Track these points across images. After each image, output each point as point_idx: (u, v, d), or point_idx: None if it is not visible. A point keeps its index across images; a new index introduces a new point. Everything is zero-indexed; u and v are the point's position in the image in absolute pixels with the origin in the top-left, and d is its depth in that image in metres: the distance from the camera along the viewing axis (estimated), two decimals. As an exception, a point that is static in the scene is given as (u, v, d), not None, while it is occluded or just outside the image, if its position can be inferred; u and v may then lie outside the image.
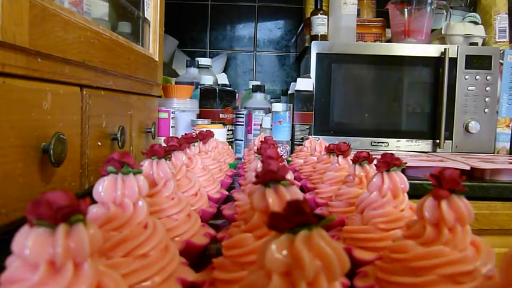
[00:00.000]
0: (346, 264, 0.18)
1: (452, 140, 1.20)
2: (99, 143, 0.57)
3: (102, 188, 0.30)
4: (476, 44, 1.25)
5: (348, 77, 1.22)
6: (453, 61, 1.18)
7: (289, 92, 1.35)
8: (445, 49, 1.17)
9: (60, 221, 0.20)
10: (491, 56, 1.18)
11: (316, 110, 1.18)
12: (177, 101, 1.09)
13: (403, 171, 0.41)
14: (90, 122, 0.53)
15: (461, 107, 1.19)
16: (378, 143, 1.21)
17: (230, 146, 1.03)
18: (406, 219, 0.36)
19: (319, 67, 1.19)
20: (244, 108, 1.31)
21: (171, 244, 0.32)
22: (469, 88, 1.19)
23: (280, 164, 0.32)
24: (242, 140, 1.25)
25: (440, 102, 1.17)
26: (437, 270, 0.28)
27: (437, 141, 1.19)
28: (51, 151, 0.41)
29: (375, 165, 0.41)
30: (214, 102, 1.15)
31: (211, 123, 1.10)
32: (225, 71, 1.65)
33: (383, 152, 0.43)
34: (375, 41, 1.35)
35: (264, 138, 0.79)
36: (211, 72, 1.39)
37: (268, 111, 1.25)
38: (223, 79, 1.53)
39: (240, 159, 1.08)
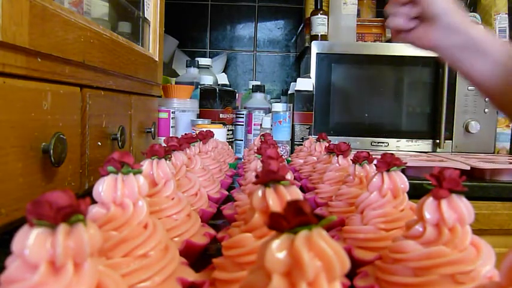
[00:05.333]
0: (346, 264, 0.18)
1: (452, 140, 1.20)
2: (99, 143, 0.57)
3: (102, 188, 0.30)
4: (476, 44, 1.25)
5: (348, 77, 1.22)
6: (453, 61, 1.18)
7: (289, 92, 1.35)
8: (445, 49, 1.17)
9: (60, 221, 0.20)
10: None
11: (316, 110, 1.18)
12: (177, 101, 1.09)
13: (403, 171, 0.41)
14: (90, 122, 0.53)
15: (461, 107, 1.19)
16: (378, 143, 1.21)
17: (230, 146, 1.03)
18: (406, 219, 0.36)
19: (319, 67, 1.19)
20: (244, 108, 1.31)
21: (171, 244, 0.32)
22: (469, 88, 1.19)
23: (280, 164, 0.32)
24: (242, 140, 1.25)
25: (440, 102, 1.17)
26: (437, 270, 0.28)
27: (437, 141, 1.19)
28: (51, 151, 0.41)
29: (375, 165, 0.41)
30: (214, 102, 1.15)
31: (211, 123, 1.10)
32: (225, 71, 1.65)
33: (383, 152, 0.43)
34: (374, 41, 1.35)
35: (264, 137, 0.79)
36: (211, 72, 1.39)
37: (268, 111, 1.25)
38: (223, 79, 1.53)
39: (240, 159, 1.08)
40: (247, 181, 0.50)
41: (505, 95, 0.57)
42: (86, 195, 0.24)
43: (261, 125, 1.18)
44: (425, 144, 1.21)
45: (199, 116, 1.15)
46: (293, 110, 1.15)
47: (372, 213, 0.39)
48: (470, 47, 0.58)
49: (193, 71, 1.30)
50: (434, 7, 0.60)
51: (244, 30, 1.68)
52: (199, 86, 1.21)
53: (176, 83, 1.27)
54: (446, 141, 1.19)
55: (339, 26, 1.27)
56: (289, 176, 0.32)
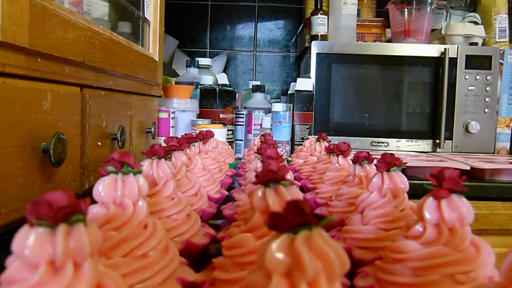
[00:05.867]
0: (346, 264, 0.18)
1: (452, 140, 1.20)
2: (99, 143, 0.57)
3: (102, 188, 0.30)
4: (476, 44, 1.25)
5: (348, 77, 1.22)
6: (453, 61, 1.18)
7: (289, 92, 1.35)
8: (445, 49, 1.17)
9: (60, 221, 0.20)
10: (491, 56, 1.18)
11: (316, 110, 1.18)
12: (177, 101, 1.09)
13: (403, 171, 0.41)
14: (90, 122, 0.53)
15: (461, 107, 1.19)
16: (378, 143, 1.21)
17: (230, 146, 1.03)
18: (406, 219, 0.36)
19: (319, 67, 1.19)
20: (244, 108, 1.31)
21: (171, 244, 0.32)
22: (469, 88, 1.19)
23: (280, 164, 0.32)
24: (242, 140, 1.25)
25: (440, 102, 1.17)
26: (437, 270, 0.28)
27: (437, 141, 1.19)
28: (51, 151, 0.41)
29: (375, 165, 0.41)
30: (214, 102, 1.15)
31: (211, 123, 1.10)
32: (225, 71, 1.65)
33: (383, 152, 0.43)
34: (374, 41, 1.35)
35: (264, 137, 0.79)
36: (211, 72, 1.39)
37: (268, 111, 1.25)
38: (223, 79, 1.53)
39: (240, 159, 1.08)
40: (247, 181, 0.50)
41: None
42: (86, 195, 0.24)
43: (261, 125, 1.18)
44: (425, 144, 1.21)
45: (199, 116, 1.15)
46: (293, 110, 1.15)
47: (372, 213, 0.39)
48: None
49: (193, 71, 1.30)
50: None
51: (244, 30, 1.68)
52: (199, 86, 1.21)
53: (176, 83, 1.27)
54: (446, 141, 1.19)
55: (339, 26, 1.27)
56: (289, 176, 0.32)
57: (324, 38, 1.27)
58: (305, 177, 0.71)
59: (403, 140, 1.21)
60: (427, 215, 0.30)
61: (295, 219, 0.19)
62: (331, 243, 0.18)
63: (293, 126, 1.14)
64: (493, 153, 1.20)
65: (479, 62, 1.18)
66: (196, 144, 0.65)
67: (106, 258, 0.28)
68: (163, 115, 1.00)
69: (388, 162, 0.40)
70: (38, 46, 0.39)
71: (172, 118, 1.02)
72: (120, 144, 0.62)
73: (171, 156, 0.47)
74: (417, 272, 0.29)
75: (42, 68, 0.41)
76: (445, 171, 0.30)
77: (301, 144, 0.99)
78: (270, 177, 0.29)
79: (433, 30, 1.32)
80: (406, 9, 1.26)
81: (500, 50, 1.21)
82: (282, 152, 1.06)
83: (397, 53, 1.20)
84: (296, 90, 1.16)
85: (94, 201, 0.30)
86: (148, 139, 0.82)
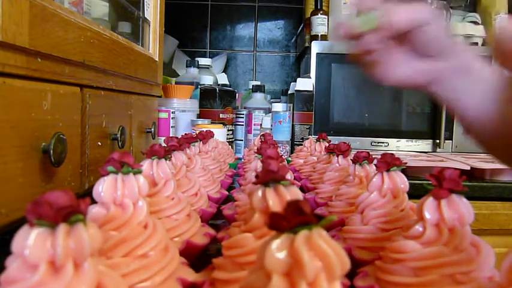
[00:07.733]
0: (346, 264, 0.18)
1: (452, 140, 1.20)
2: (99, 143, 0.57)
3: (102, 188, 0.30)
4: (476, 44, 1.25)
5: (348, 77, 1.22)
6: (453, 61, 1.17)
7: (289, 92, 1.35)
8: (445, 49, 1.16)
9: (60, 221, 0.20)
10: (491, 56, 1.18)
11: (316, 110, 1.18)
12: (177, 101, 1.09)
13: (403, 171, 0.41)
14: (90, 122, 0.53)
15: (461, 107, 1.19)
16: (378, 143, 1.21)
17: (230, 146, 1.03)
18: (406, 219, 0.36)
19: (319, 67, 1.19)
20: (244, 108, 1.31)
21: (171, 244, 0.32)
22: (469, 88, 1.18)
23: (280, 164, 0.32)
24: (242, 140, 1.25)
25: (440, 102, 1.17)
26: (437, 270, 0.28)
27: (437, 141, 1.19)
28: (51, 151, 0.41)
29: (375, 165, 0.41)
30: (214, 102, 1.15)
31: (211, 123, 1.10)
32: (225, 71, 1.65)
33: (383, 152, 0.43)
34: (375, 41, 1.35)
35: (264, 137, 0.79)
36: (211, 72, 1.39)
37: (268, 111, 1.25)
38: (223, 79, 1.53)
39: (240, 159, 1.08)
40: (247, 181, 0.50)
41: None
42: (86, 195, 0.24)
43: (261, 125, 1.18)
44: (425, 144, 1.21)
45: (199, 116, 1.15)
46: (293, 110, 1.15)
47: (372, 213, 0.39)
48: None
49: (193, 71, 1.30)
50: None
51: (244, 30, 1.68)
52: (199, 86, 1.21)
53: (176, 83, 1.27)
54: (446, 141, 1.19)
55: (339, 26, 1.27)
56: (289, 176, 0.32)
57: (324, 38, 1.27)
58: (305, 177, 0.71)
59: (403, 140, 1.21)
60: (427, 215, 0.30)
61: (295, 219, 0.19)
62: (331, 243, 0.18)
63: (293, 126, 1.14)
64: (493, 153, 1.20)
65: (479, 62, 1.18)
66: (196, 144, 0.65)
67: (106, 258, 0.28)
68: (163, 115, 1.00)
69: (388, 162, 0.40)
70: (38, 46, 0.39)
71: (172, 118, 1.02)
72: (120, 144, 0.62)
73: (171, 156, 0.47)
74: (417, 272, 0.29)
75: (42, 68, 0.41)
76: (445, 171, 0.30)
77: (301, 144, 0.99)
78: (270, 177, 0.29)
79: (433, 30, 1.32)
80: (406, 9, 1.26)
81: (500, 50, 1.21)
82: (282, 152, 1.06)
83: (397, 53, 1.19)
84: (296, 90, 1.16)
85: (94, 201, 0.30)
86: (148, 139, 0.82)
